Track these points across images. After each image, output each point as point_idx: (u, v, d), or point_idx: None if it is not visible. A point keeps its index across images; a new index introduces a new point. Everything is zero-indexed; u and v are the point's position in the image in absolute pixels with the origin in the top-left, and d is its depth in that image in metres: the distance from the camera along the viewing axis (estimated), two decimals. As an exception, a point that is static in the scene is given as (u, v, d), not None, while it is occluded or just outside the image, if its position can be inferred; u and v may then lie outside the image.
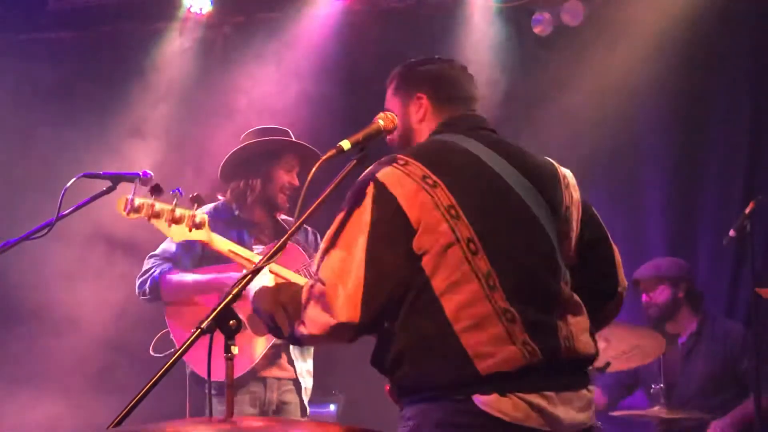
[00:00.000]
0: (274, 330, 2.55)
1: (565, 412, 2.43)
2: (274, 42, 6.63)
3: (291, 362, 4.42)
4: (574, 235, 2.65)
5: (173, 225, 3.23)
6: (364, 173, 2.53)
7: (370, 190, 2.46)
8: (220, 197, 4.61)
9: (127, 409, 2.08)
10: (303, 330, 2.46)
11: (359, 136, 2.67)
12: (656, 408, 5.03)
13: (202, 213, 3.46)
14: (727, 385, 5.21)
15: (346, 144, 2.63)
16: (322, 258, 2.48)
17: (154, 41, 6.84)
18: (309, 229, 4.66)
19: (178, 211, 3.28)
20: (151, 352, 4.21)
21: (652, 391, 5.12)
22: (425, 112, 2.76)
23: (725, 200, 5.75)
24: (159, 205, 3.25)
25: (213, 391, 4.07)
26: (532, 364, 2.39)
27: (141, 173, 3.99)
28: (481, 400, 2.37)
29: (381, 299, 2.42)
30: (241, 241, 4.38)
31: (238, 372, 4.15)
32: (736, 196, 5.66)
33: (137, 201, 3.23)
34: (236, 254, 3.30)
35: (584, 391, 2.53)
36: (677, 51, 5.86)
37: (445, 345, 2.40)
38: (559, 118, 5.93)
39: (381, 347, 2.55)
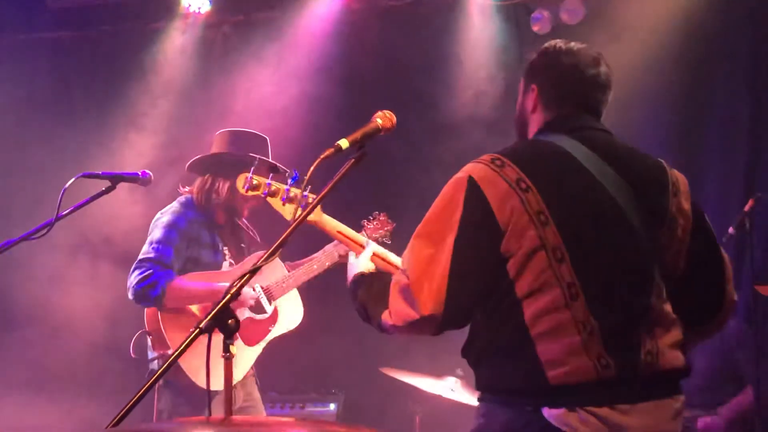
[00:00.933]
0: (366, 319, 2.63)
1: (641, 420, 2.39)
2: (273, 41, 6.64)
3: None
4: (681, 244, 2.58)
5: (287, 204, 3.34)
6: (462, 170, 2.51)
7: (464, 188, 2.46)
8: (184, 189, 4.56)
9: (125, 410, 2.08)
10: (389, 321, 2.51)
11: (357, 134, 2.68)
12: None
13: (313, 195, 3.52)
14: (726, 381, 5.21)
15: (344, 143, 2.64)
16: (411, 251, 2.50)
17: (153, 41, 6.86)
18: None
19: (293, 191, 3.36)
20: (132, 354, 4.23)
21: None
22: (535, 105, 2.71)
23: (725, 198, 5.74)
24: (275, 185, 3.36)
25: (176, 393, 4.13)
26: (605, 378, 2.36)
27: (140, 173, 4.00)
28: (549, 413, 2.37)
29: (465, 297, 2.43)
30: (213, 241, 4.40)
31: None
32: (736, 194, 5.65)
33: (255, 180, 3.34)
34: (344, 236, 3.36)
35: (669, 401, 2.48)
36: (676, 49, 5.85)
37: (520, 349, 2.41)
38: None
39: (469, 342, 2.57)
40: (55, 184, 3.86)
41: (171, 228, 4.33)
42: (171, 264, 4.28)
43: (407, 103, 6.24)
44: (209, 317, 2.32)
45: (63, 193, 3.73)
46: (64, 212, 3.79)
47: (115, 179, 3.93)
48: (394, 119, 2.78)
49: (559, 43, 2.74)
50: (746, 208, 4.77)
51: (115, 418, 2.02)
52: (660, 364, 2.44)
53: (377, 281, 2.63)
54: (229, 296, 2.35)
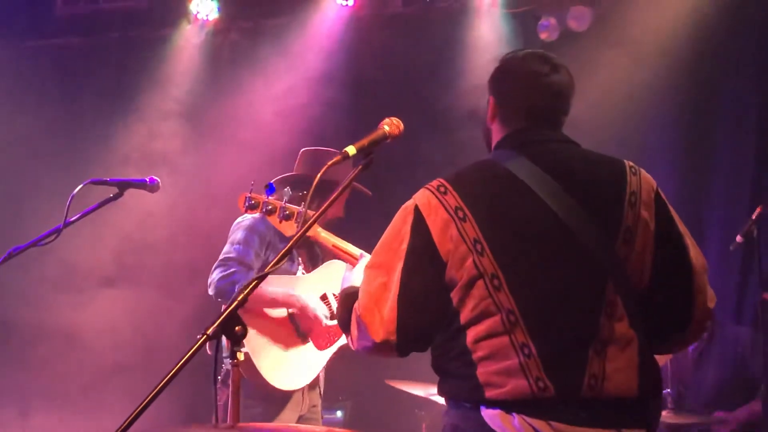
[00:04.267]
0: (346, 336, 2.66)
1: None
2: (281, 47, 6.65)
3: None
4: (643, 256, 2.48)
5: (284, 221, 3.46)
6: (413, 197, 2.52)
7: (411, 217, 2.47)
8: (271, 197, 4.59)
9: (134, 414, 2.08)
10: (352, 345, 2.57)
11: (365, 141, 2.68)
12: (663, 413, 5.02)
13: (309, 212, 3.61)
14: (739, 390, 5.20)
15: (351, 149, 2.65)
16: (364, 279, 2.54)
17: (162, 47, 6.88)
18: None
19: (288, 209, 3.45)
20: (208, 351, 4.26)
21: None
22: (493, 118, 2.67)
23: (733, 206, 5.73)
24: (272, 203, 3.46)
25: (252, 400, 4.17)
26: (542, 397, 2.34)
27: (148, 179, 4.00)
28: (486, 412, 2.38)
29: (415, 324, 2.45)
30: (291, 257, 4.44)
31: (303, 382, 4.28)
32: (743, 202, 5.64)
33: (253, 199, 3.44)
34: (339, 249, 3.45)
35: None
36: (683, 56, 5.85)
37: (464, 371, 2.42)
38: (565, 123, 5.92)
39: (431, 357, 2.59)
40: (62, 190, 3.88)
41: (252, 231, 4.36)
42: (251, 264, 4.33)
43: (414, 109, 6.25)
44: (217, 323, 2.31)
45: (71, 200, 3.73)
46: (73, 218, 3.80)
47: (123, 186, 3.92)
48: (402, 126, 2.78)
49: (517, 52, 2.68)
50: (754, 215, 4.76)
51: (122, 423, 2.02)
52: (604, 389, 2.36)
53: (351, 302, 2.60)
54: (236, 303, 2.35)
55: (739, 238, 4.79)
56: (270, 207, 3.53)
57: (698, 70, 5.88)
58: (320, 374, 4.51)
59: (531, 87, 2.59)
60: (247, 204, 3.46)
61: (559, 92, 2.59)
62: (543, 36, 6.19)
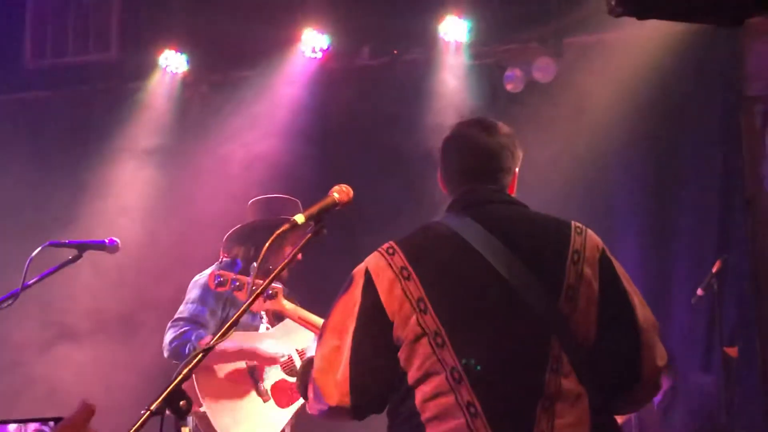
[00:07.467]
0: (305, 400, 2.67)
1: None
2: (251, 99, 6.67)
3: None
4: (587, 313, 2.47)
5: (236, 292, 3.67)
6: (364, 260, 2.55)
7: (362, 279, 2.50)
8: (224, 257, 4.58)
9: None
10: (309, 409, 2.59)
11: (314, 209, 2.67)
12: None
13: (275, 284, 3.76)
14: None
15: (300, 218, 2.63)
16: (318, 343, 2.55)
17: (131, 100, 6.88)
18: None
19: (255, 284, 3.43)
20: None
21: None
22: (443, 185, 2.74)
23: (698, 257, 5.75)
24: (240, 279, 3.64)
25: None
26: None
27: (107, 241, 4.00)
28: None
29: (367, 386, 2.47)
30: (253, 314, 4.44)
31: None
32: (709, 256, 5.65)
33: (222, 276, 3.64)
34: (304, 320, 3.58)
35: None
36: (649, 108, 5.90)
37: None
38: (531, 173, 5.93)
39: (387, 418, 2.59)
40: (27, 250, 3.86)
41: (207, 289, 4.34)
42: (205, 323, 4.33)
43: (382, 160, 6.28)
44: (160, 399, 2.29)
45: (29, 263, 3.73)
46: (30, 281, 3.79)
47: (82, 248, 3.93)
48: (351, 193, 2.77)
49: (461, 121, 2.77)
50: (714, 269, 4.79)
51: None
52: None
53: (311, 368, 2.61)
54: (180, 377, 2.32)
55: (700, 291, 4.82)
56: (239, 283, 3.75)
57: (663, 121, 5.94)
58: (287, 431, 4.47)
59: (461, 149, 2.69)
60: (216, 282, 3.71)
61: (491, 152, 2.66)
62: (509, 87, 6.24)
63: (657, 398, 5.37)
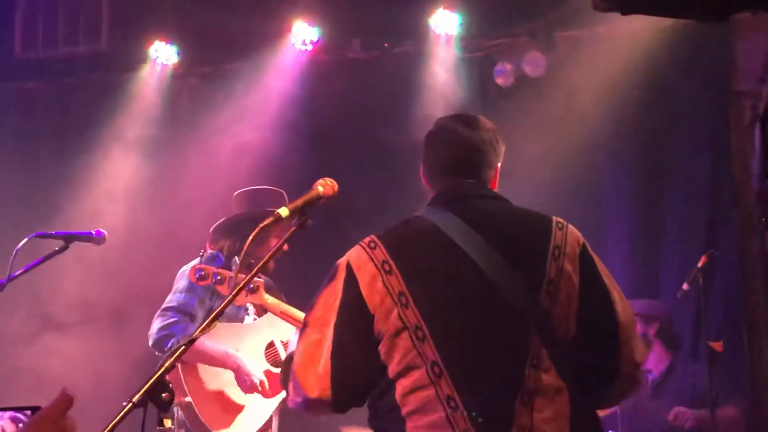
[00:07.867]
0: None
1: None
2: (241, 92, 6.67)
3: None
4: (567, 308, 2.51)
5: (218, 286, 3.68)
6: (346, 253, 2.58)
7: (343, 273, 2.53)
8: (210, 250, 4.58)
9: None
10: (290, 403, 2.61)
11: (299, 202, 2.68)
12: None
13: (257, 278, 3.79)
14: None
15: (284, 211, 2.65)
16: (300, 336, 2.57)
17: (121, 92, 6.86)
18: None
19: (237, 278, 3.46)
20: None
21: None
22: (425, 180, 2.77)
23: (687, 250, 5.76)
24: (222, 273, 3.68)
25: None
26: None
27: (94, 232, 4.01)
28: None
29: (348, 380, 2.49)
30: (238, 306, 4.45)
31: (251, 430, 4.31)
32: (697, 249, 5.65)
33: (203, 270, 3.66)
34: (286, 314, 3.61)
35: None
36: (638, 102, 5.90)
37: (394, 427, 2.46)
38: (521, 168, 5.95)
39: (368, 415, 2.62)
40: (13, 240, 3.87)
41: None
42: (194, 312, 4.34)
43: (372, 153, 6.28)
44: (142, 391, 2.30)
45: (16, 254, 3.73)
46: (16, 273, 3.79)
47: (69, 239, 3.94)
48: (336, 186, 2.79)
49: (444, 117, 2.79)
50: (699, 264, 4.81)
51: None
52: None
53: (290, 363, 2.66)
54: (163, 369, 2.33)
55: (685, 286, 4.84)
56: (220, 277, 3.77)
57: (652, 116, 5.94)
58: (273, 421, 4.48)
59: (444, 144, 2.71)
60: (197, 276, 3.72)
61: (472, 146, 2.67)
62: (499, 81, 6.24)
63: (653, 375, 5.36)
